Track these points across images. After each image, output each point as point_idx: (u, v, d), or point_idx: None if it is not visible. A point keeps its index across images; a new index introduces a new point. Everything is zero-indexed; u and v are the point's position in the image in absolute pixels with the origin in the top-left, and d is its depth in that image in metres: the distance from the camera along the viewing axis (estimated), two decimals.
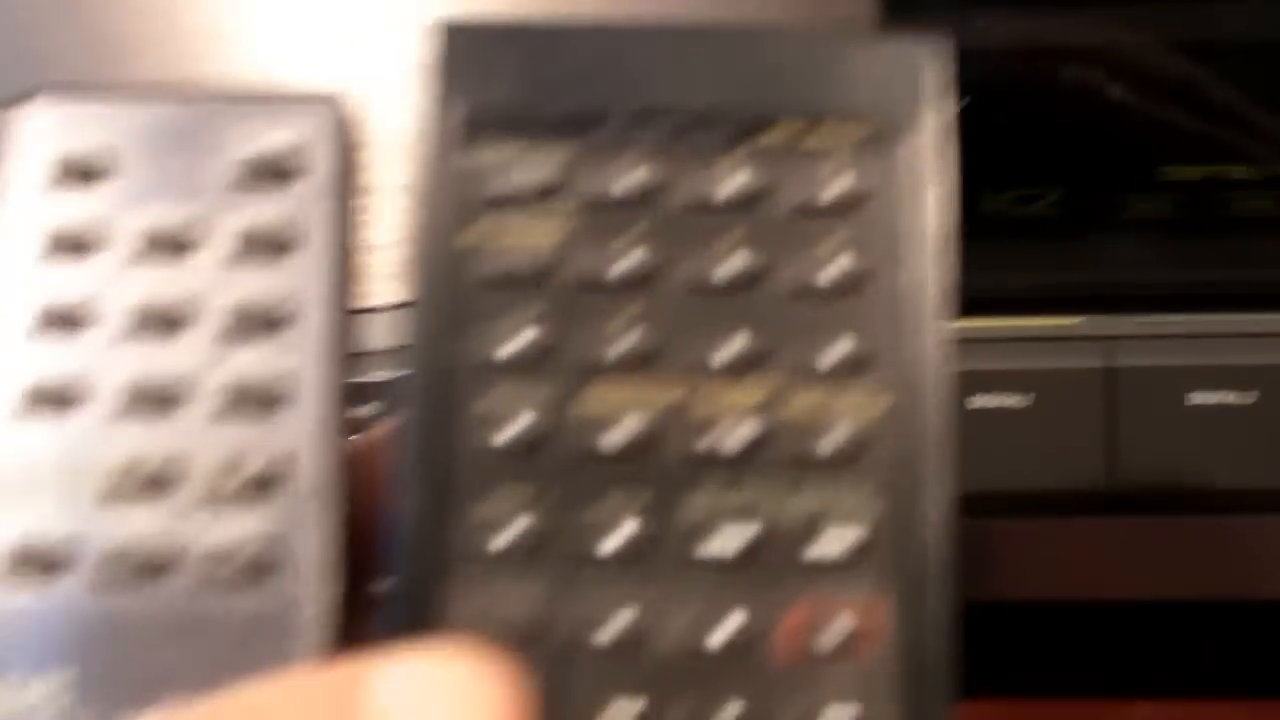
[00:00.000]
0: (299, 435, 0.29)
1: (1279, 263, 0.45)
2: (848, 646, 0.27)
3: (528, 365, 0.29)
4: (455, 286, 0.29)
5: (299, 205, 0.31)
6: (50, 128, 0.31)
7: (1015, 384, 0.43)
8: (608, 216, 0.29)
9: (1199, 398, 0.43)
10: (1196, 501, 0.44)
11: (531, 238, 0.29)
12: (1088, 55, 0.45)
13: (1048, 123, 0.46)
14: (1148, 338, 0.43)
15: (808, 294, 0.29)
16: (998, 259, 0.45)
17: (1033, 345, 0.43)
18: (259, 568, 0.29)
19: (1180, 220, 0.45)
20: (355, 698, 0.25)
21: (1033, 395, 0.43)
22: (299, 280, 0.30)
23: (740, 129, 0.30)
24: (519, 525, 0.28)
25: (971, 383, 0.43)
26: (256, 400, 0.29)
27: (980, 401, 0.43)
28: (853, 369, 0.28)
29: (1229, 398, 0.43)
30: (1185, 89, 0.46)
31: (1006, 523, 0.44)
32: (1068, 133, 0.46)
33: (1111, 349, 0.44)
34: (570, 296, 0.29)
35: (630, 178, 0.29)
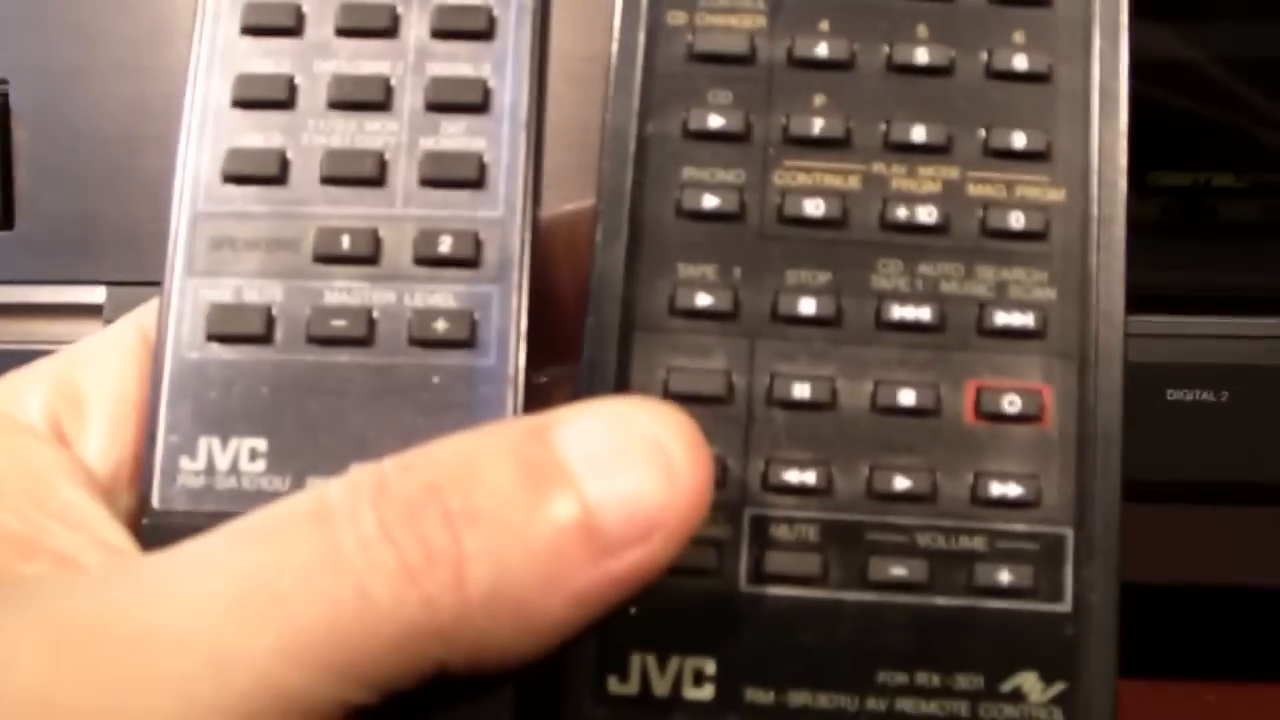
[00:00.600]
0: (495, 208, 0.30)
1: (1259, 269, 0.47)
2: (1024, 415, 0.29)
3: (729, 138, 0.30)
4: (664, 61, 0.31)
5: None
6: None
7: None
8: (809, 5, 0.31)
9: (1176, 395, 0.45)
10: (1172, 491, 0.46)
11: (737, 20, 0.31)
12: None
13: None
14: (1129, 336, 0.46)
15: (995, 83, 0.30)
16: None
17: None
18: (456, 332, 0.30)
19: (1166, 225, 0.48)
20: (543, 448, 0.26)
21: None
22: (497, 61, 0.31)
23: None
24: (714, 290, 0.30)
25: None
26: (455, 175, 0.30)
27: None
28: (1033, 160, 0.30)
29: (1204, 395, 0.45)
30: (1176, 95, 0.47)
31: None
32: None
33: None
34: (772, 76, 0.31)
35: None
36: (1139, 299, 0.46)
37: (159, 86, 0.49)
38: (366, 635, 0.24)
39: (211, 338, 0.30)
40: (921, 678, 0.28)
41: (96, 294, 0.49)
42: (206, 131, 0.31)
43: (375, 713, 0.25)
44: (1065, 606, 0.28)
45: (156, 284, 0.48)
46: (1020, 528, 0.29)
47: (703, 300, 0.29)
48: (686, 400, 0.29)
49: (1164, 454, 0.46)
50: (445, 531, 0.25)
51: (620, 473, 0.26)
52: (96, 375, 0.31)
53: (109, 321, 0.49)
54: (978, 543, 0.29)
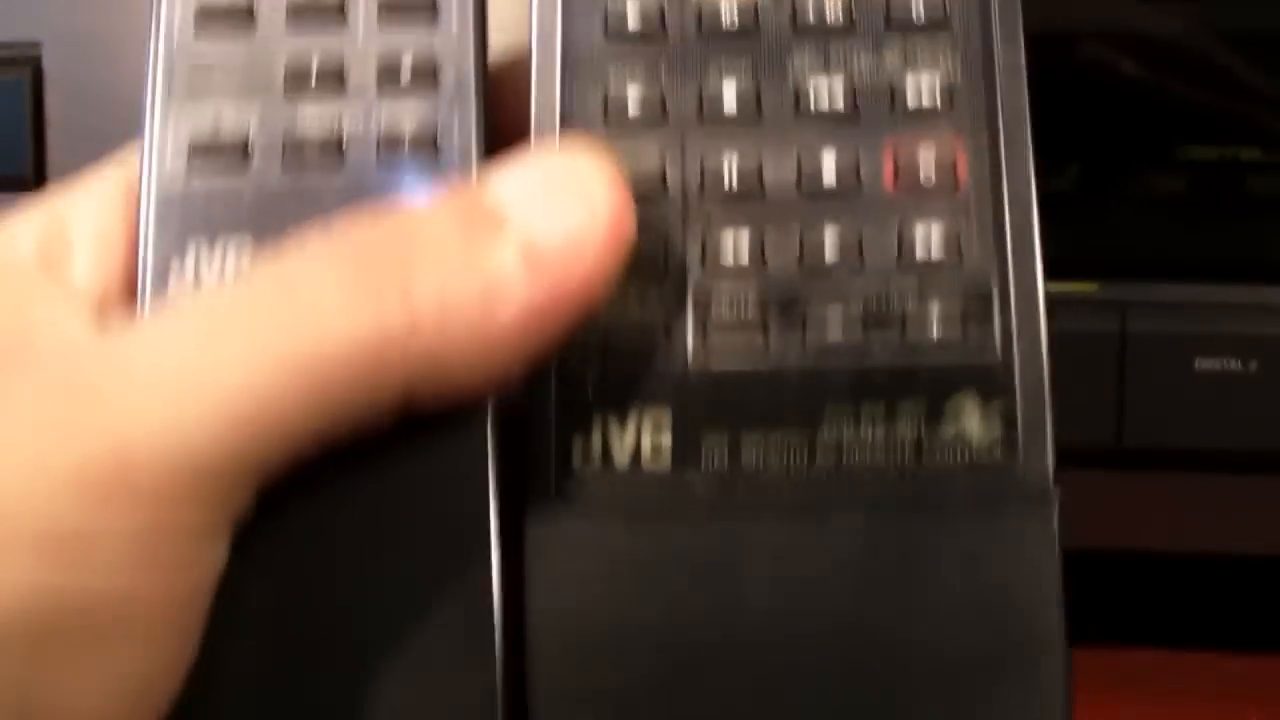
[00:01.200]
0: (449, 35, 0.32)
1: None
2: (940, 180, 0.31)
3: None
4: None
5: None
6: None
7: None
8: None
9: (1205, 364, 0.46)
10: (1200, 460, 0.46)
11: None
12: (1106, 34, 0.47)
13: (1067, 100, 0.48)
14: (1158, 305, 0.46)
15: None
16: None
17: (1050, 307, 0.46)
18: (420, 148, 0.32)
19: (1194, 198, 0.48)
20: (481, 196, 0.29)
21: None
22: None
23: None
24: (641, 96, 0.32)
25: None
26: (411, 8, 0.33)
27: None
28: None
29: (1232, 364, 0.46)
30: (1202, 69, 0.48)
31: None
32: (1086, 110, 0.48)
33: (1123, 315, 0.46)
34: None
35: None
36: (1165, 270, 0.47)
37: None
38: (326, 349, 0.27)
39: (192, 165, 0.32)
40: (867, 407, 0.30)
41: None
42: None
43: (354, 453, 0.28)
44: (995, 357, 0.30)
45: None
46: (947, 284, 0.30)
47: (633, 107, 0.32)
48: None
49: (1192, 423, 0.46)
50: (389, 259, 0.28)
51: (545, 199, 0.28)
52: (83, 207, 0.33)
53: None
54: (909, 302, 0.30)
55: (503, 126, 0.32)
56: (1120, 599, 0.49)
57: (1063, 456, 0.45)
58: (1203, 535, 0.47)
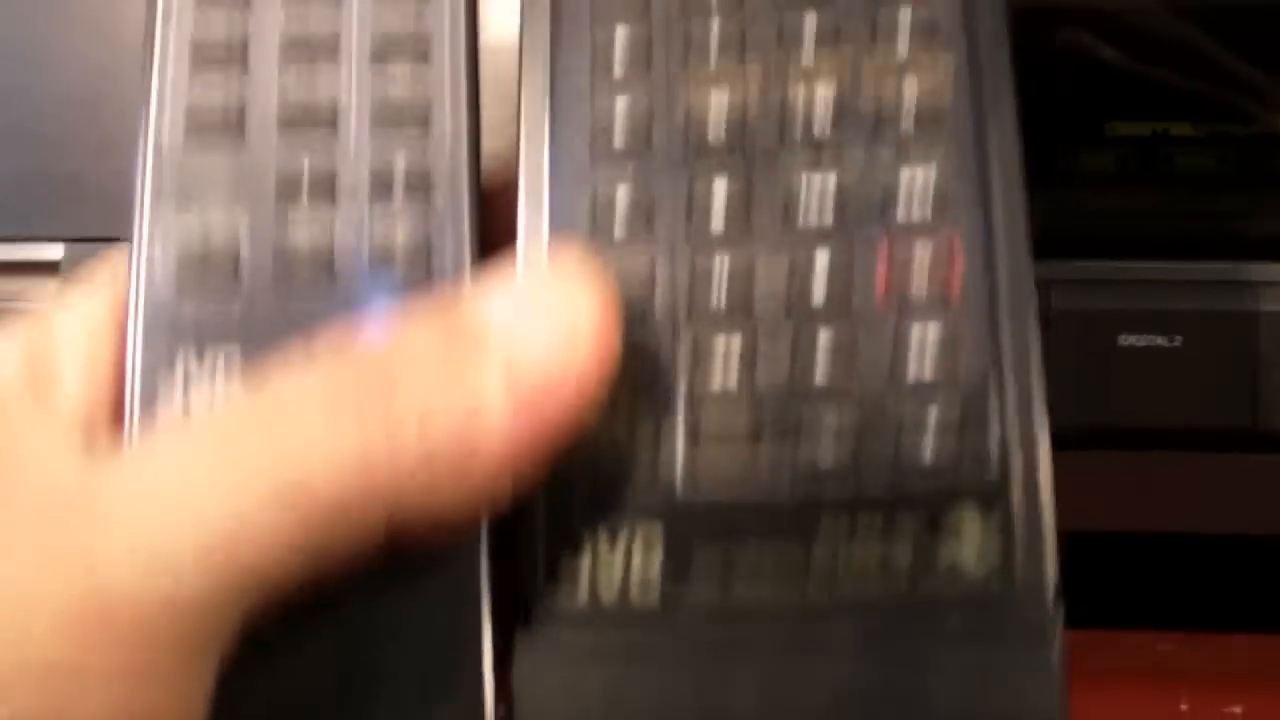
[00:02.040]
0: (441, 145, 0.32)
1: (1216, 216, 0.47)
2: (933, 289, 0.30)
3: (634, 66, 0.32)
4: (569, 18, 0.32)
5: None
6: None
7: None
8: None
9: (1129, 340, 0.45)
10: (1126, 438, 0.46)
11: None
12: (1036, 9, 0.47)
13: None
14: (1081, 282, 0.46)
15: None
16: None
17: None
18: (411, 258, 0.32)
19: (1124, 175, 0.47)
20: (465, 316, 0.29)
21: None
22: (436, 12, 0.33)
23: None
24: (631, 198, 0.31)
25: None
26: (402, 117, 0.33)
27: None
28: (918, 34, 0.31)
29: (1157, 340, 0.45)
30: (1134, 44, 0.47)
31: None
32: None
33: (1047, 292, 0.46)
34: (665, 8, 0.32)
35: None
36: (1092, 245, 0.47)
37: (117, 45, 0.49)
38: (309, 471, 0.27)
39: (181, 280, 0.32)
40: (864, 519, 0.29)
41: (54, 251, 0.50)
42: (167, 88, 0.33)
43: (342, 590, 0.27)
44: (992, 475, 0.29)
45: (114, 240, 0.48)
46: (941, 377, 0.30)
47: (622, 208, 0.31)
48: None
49: (1116, 399, 0.45)
50: (373, 380, 0.27)
51: (530, 315, 0.28)
52: (70, 325, 0.33)
53: (66, 279, 0.49)
54: (905, 412, 0.30)
55: (494, 231, 0.32)
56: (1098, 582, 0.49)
57: None
58: (1130, 514, 0.46)
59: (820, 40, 0.31)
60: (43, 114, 0.49)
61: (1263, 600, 0.50)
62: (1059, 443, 0.46)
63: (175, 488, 0.27)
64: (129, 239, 0.32)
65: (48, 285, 0.49)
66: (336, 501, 0.27)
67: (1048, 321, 0.45)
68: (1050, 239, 0.46)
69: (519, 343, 0.28)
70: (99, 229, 0.49)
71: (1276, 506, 0.46)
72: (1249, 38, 0.46)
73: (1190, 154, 0.47)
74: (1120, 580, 0.49)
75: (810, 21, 0.31)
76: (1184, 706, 0.46)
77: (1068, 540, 0.47)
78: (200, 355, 0.31)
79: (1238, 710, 0.46)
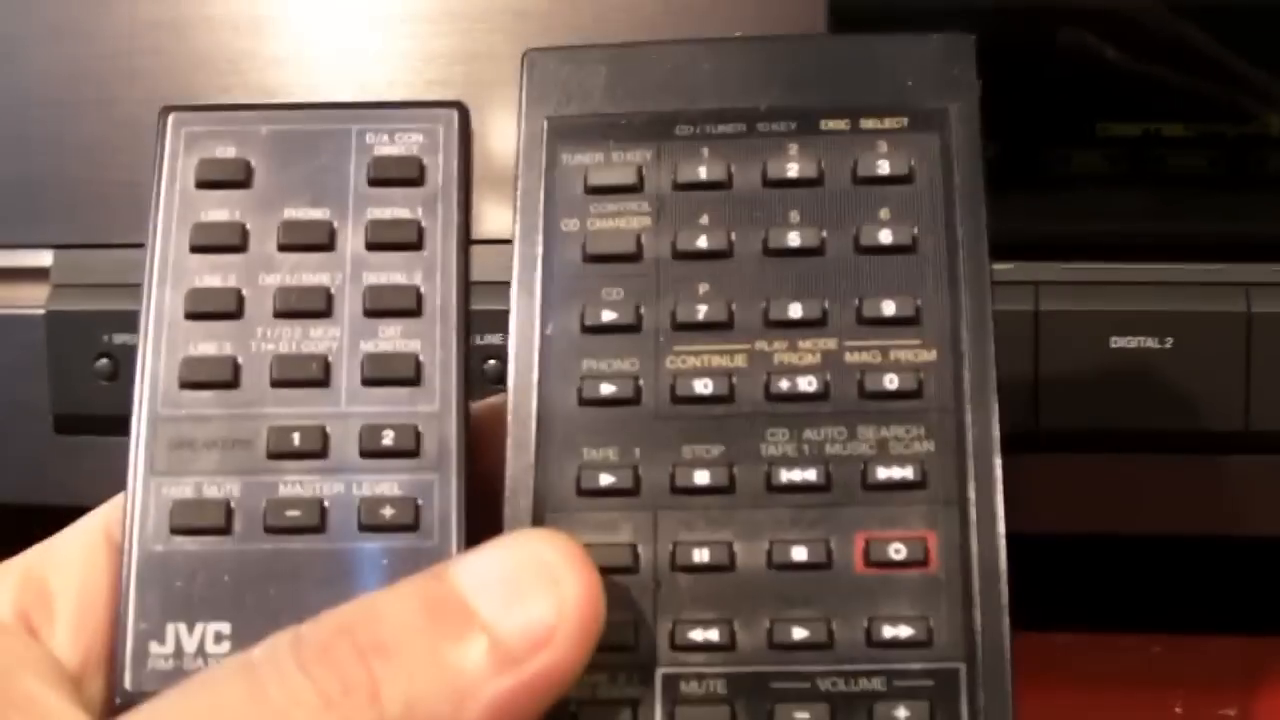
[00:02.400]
0: (432, 403, 0.33)
1: (1207, 217, 0.47)
2: (910, 561, 0.31)
3: (623, 330, 0.33)
4: (561, 264, 0.33)
5: (426, 201, 0.34)
6: (195, 137, 0.35)
7: None
8: (690, 203, 0.34)
9: (1120, 342, 0.45)
10: (1114, 441, 0.46)
11: (625, 222, 0.34)
12: (1028, 10, 0.47)
13: (985, 78, 0.47)
14: (1072, 284, 0.45)
15: (864, 257, 0.33)
16: None
17: None
18: (401, 517, 0.32)
19: (1115, 175, 0.47)
20: (442, 584, 0.29)
21: None
22: (427, 269, 0.34)
23: (799, 122, 0.34)
24: (616, 470, 0.32)
25: None
26: (393, 374, 0.33)
27: None
28: (904, 324, 0.32)
29: (1149, 343, 0.45)
30: (1127, 45, 0.47)
31: None
32: (1006, 88, 0.47)
33: (1037, 294, 0.45)
34: (659, 269, 0.33)
35: (706, 167, 0.34)
36: (1083, 247, 0.46)
37: (97, 49, 0.49)
38: None
39: (175, 531, 0.33)
40: None
41: (43, 258, 0.49)
42: (163, 341, 0.34)
43: None
44: None
45: (102, 247, 0.48)
46: (915, 666, 0.30)
47: (606, 480, 0.32)
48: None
49: (1107, 402, 0.45)
50: (358, 663, 0.27)
51: (512, 591, 0.28)
52: (64, 569, 0.33)
53: (56, 286, 0.49)
54: (876, 683, 0.30)
55: (479, 477, 0.33)
56: (1042, 583, 0.49)
57: None
58: (1122, 517, 0.46)
59: (807, 324, 0.33)
60: (29, 119, 0.49)
61: (1256, 602, 0.49)
62: (1052, 445, 0.46)
63: None
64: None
65: (37, 293, 0.49)
66: None
67: (1038, 324, 0.46)
68: (1041, 240, 0.47)
69: (504, 611, 0.28)
70: (89, 235, 0.49)
71: (1269, 508, 0.45)
72: (1242, 37, 0.46)
73: (1182, 154, 0.47)
74: (1113, 583, 0.49)
75: (796, 308, 0.33)
76: (1178, 709, 0.46)
77: (1060, 544, 0.47)
78: (190, 625, 0.32)
79: (1231, 712, 0.46)
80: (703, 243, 0.33)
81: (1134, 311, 0.45)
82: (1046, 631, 0.48)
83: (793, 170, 0.33)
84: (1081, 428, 0.45)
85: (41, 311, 0.49)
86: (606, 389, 0.32)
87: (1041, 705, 0.47)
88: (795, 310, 0.33)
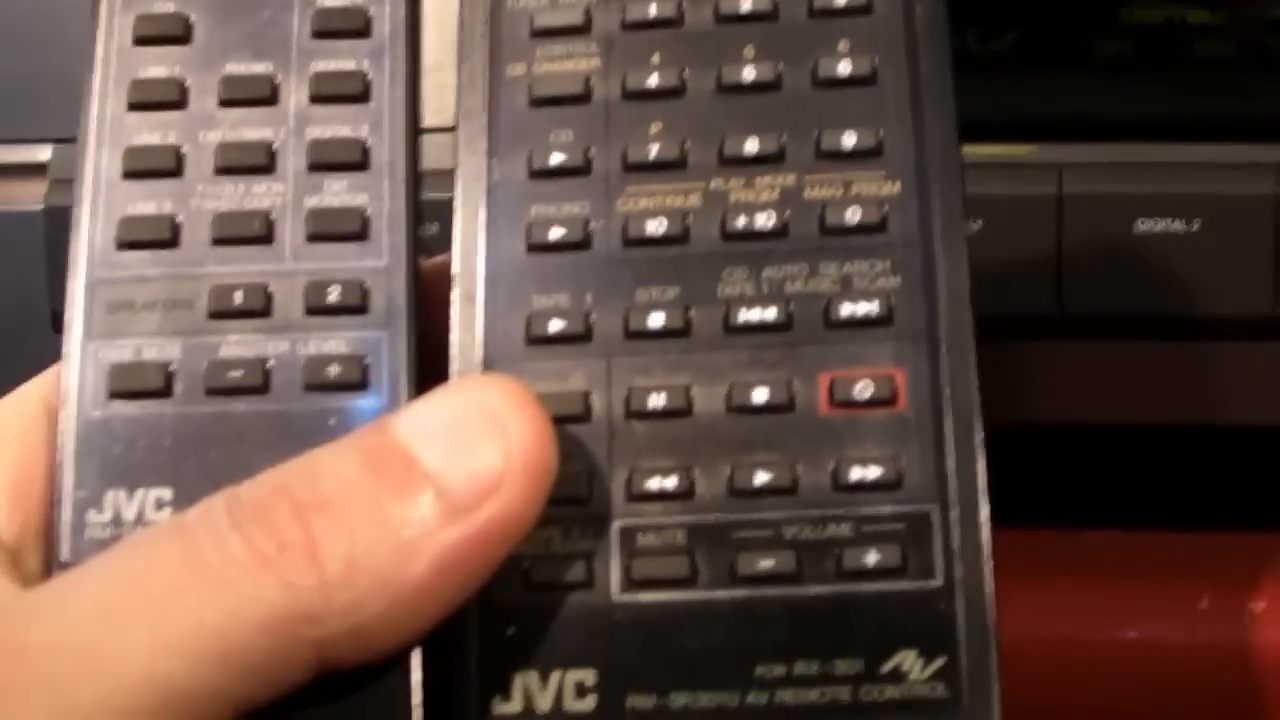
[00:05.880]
0: (380, 258, 0.32)
1: (1235, 99, 0.46)
2: (877, 399, 0.30)
3: (572, 173, 0.32)
4: (507, 110, 0.32)
5: (373, 53, 0.33)
6: None
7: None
8: (640, 42, 0.32)
9: (1145, 225, 0.44)
10: (1139, 327, 0.45)
11: (573, 64, 0.32)
12: None
13: None
14: (1095, 166, 0.44)
15: (822, 91, 0.32)
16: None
17: (984, 171, 0.44)
18: (348, 376, 0.31)
19: (1139, 62, 0.46)
20: (382, 436, 0.28)
21: (981, 220, 0.44)
22: (373, 121, 0.33)
23: None
24: (567, 316, 0.31)
25: None
26: (339, 229, 0.32)
27: None
28: (866, 157, 0.31)
29: (1175, 226, 0.44)
30: None
31: None
32: None
33: (1060, 177, 0.45)
34: (609, 111, 0.32)
35: (656, 4, 0.33)
36: (1109, 128, 0.45)
37: None
38: (234, 622, 0.26)
39: (114, 395, 0.32)
40: (800, 667, 0.29)
41: (42, 152, 0.49)
42: (100, 202, 0.33)
43: (270, 713, 0.27)
44: (937, 581, 0.29)
45: None
46: (885, 509, 0.29)
47: (556, 326, 0.31)
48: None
49: (1132, 287, 0.44)
50: (295, 521, 0.27)
51: (458, 439, 0.27)
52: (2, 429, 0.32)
53: (54, 181, 0.48)
54: (844, 529, 0.29)
55: (429, 337, 0.32)
56: (1066, 476, 0.48)
57: (1005, 327, 0.44)
58: (1150, 406, 0.45)
59: (764, 160, 0.31)
60: (27, 13, 0.49)
61: None
62: (1076, 331, 0.45)
63: (95, 641, 0.26)
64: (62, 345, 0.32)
65: (35, 189, 0.49)
66: (262, 650, 0.26)
67: (1061, 207, 0.45)
68: (1064, 122, 0.46)
69: (450, 460, 0.27)
70: None
71: None
72: None
73: (1208, 40, 0.46)
74: (1139, 475, 0.48)
75: (753, 143, 0.31)
76: (1204, 604, 0.45)
77: (1084, 434, 0.46)
78: (130, 491, 0.31)
79: (1260, 607, 0.45)
80: (653, 81, 0.32)
81: (1160, 194, 0.44)
82: (1069, 528, 0.47)
83: (746, 4, 0.32)
84: (1106, 313, 0.44)
85: (40, 207, 0.48)
86: (555, 233, 0.31)
87: (1066, 600, 0.46)
88: (751, 146, 0.31)
